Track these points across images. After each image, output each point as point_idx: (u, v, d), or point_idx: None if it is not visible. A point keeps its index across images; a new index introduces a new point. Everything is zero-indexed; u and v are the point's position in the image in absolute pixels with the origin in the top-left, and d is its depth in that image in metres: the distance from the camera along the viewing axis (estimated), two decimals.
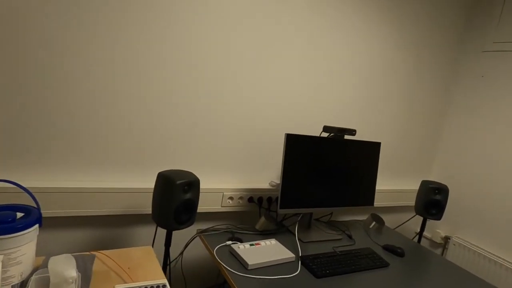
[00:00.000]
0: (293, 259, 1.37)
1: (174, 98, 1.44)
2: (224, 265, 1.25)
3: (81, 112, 1.28)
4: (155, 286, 0.87)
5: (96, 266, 1.01)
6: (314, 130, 1.84)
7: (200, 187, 1.54)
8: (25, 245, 0.81)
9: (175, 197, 1.20)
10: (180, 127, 1.49)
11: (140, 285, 0.87)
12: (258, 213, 1.77)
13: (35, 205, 0.92)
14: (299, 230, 1.66)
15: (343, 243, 1.63)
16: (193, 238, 1.56)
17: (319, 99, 1.81)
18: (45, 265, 0.87)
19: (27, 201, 1.18)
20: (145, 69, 1.36)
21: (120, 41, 1.30)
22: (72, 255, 0.98)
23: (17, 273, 0.83)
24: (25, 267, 0.85)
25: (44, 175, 1.28)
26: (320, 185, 1.62)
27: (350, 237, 1.72)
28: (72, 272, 0.62)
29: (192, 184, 1.25)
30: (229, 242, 1.42)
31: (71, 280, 0.62)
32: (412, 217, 2.12)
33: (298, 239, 1.58)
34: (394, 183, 2.28)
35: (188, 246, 1.62)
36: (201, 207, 1.57)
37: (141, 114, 1.39)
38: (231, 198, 1.64)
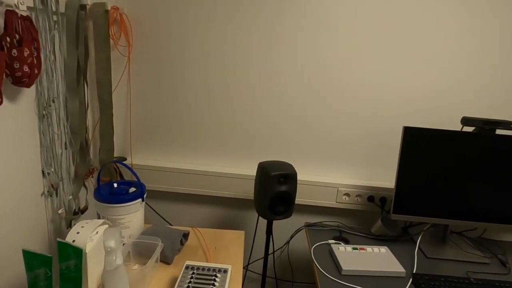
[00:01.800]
0: (403, 275, 1.16)
1: (290, 93, 1.46)
2: (317, 264, 1.19)
3: (204, 115, 1.50)
4: (217, 269, 0.93)
5: (192, 241, 1.16)
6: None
7: (313, 180, 1.51)
8: (131, 214, 1.02)
9: (270, 188, 1.22)
10: (297, 120, 1.49)
11: (205, 265, 0.95)
12: (380, 215, 1.57)
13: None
14: (425, 242, 1.38)
15: (488, 269, 1.25)
16: (299, 230, 1.54)
17: (466, 85, 1.42)
18: (146, 232, 1.08)
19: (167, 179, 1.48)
20: (263, 71, 1.43)
21: (232, 41, 1.40)
22: (169, 227, 1.16)
23: (126, 235, 1.06)
24: (132, 231, 1.07)
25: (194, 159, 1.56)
26: (456, 192, 1.29)
27: (504, 264, 1.30)
28: (110, 243, 0.74)
29: (288, 176, 1.23)
30: (331, 241, 1.34)
31: (109, 249, 0.74)
32: None
33: (419, 252, 1.32)
34: None
35: (300, 238, 1.61)
36: (313, 201, 1.53)
37: (261, 110, 1.49)
38: (347, 194, 1.53)
